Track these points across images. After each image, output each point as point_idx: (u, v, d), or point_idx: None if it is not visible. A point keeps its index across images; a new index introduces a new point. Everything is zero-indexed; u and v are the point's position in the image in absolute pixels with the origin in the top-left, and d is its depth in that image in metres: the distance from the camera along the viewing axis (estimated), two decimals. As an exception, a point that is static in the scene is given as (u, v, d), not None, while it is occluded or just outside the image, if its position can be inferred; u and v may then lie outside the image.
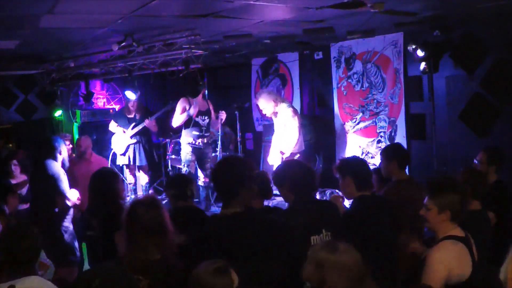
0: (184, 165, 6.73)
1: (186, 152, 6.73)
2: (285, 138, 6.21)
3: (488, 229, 3.49)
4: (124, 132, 7.21)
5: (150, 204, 2.54)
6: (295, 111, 6.36)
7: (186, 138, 6.72)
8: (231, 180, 2.48)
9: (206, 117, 6.75)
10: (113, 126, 7.31)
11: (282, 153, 6.19)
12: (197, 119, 6.69)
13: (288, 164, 3.41)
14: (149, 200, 2.60)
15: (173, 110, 6.91)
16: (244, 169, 2.51)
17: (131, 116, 7.26)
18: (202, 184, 6.84)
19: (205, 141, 6.72)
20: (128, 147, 7.24)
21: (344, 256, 1.95)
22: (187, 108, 6.62)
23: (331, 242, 2.01)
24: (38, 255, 2.62)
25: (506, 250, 2.16)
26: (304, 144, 6.45)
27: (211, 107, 6.92)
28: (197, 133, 6.65)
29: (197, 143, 6.64)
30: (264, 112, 6.46)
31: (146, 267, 2.37)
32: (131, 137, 7.19)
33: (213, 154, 6.93)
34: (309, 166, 3.17)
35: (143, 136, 7.35)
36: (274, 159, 6.31)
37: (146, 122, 7.10)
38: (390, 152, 3.93)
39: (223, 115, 6.73)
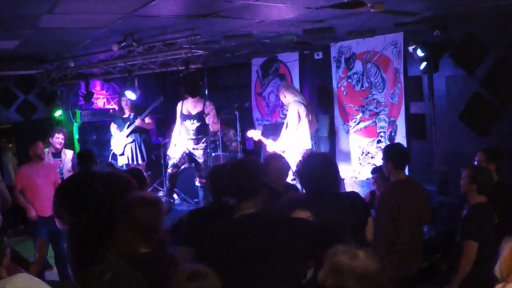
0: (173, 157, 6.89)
1: (178, 151, 6.86)
2: (285, 133, 6.27)
3: (493, 223, 3.51)
4: (120, 131, 7.30)
5: (149, 202, 2.58)
6: (298, 108, 6.25)
7: (182, 141, 6.83)
8: (253, 179, 2.42)
9: (194, 121, 6.77)
10: (113, 128, 7.45)
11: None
12: (185, 122, 6.75)
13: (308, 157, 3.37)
14: (148, 198, 2.63)
15: (175, 112, 7.01)
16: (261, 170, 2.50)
17: (126, 116, 7.38)
18: (199, 185, 6.87)
19: (195, 143, 6.77)
20: (125, 146, 7.35)
21: (365, 264, 1.88)
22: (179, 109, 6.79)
23: (352, 247, 1.95)
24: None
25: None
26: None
27: (210, 108, 6.89)
28: (186, 136, 6.77)
29: (185, 149, 6.79)
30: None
31: (134, 259, 2.37)
32: (127, 136, 7.28)
33: (214, 154, 6.94)
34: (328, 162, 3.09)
35: (140, 135, 7.39)
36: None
37: (137, 122, 7.17)
38: (386, 153, 3.91)
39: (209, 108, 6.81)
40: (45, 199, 5.60)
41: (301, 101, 6.31)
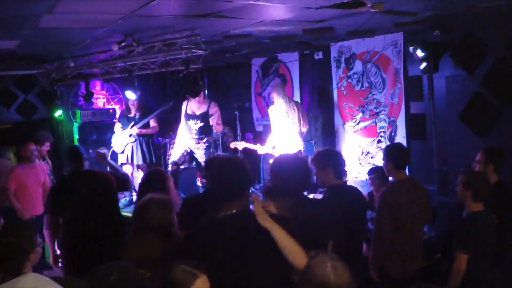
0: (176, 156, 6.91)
1: (178, 150, 6.88)
2: (271, 136, 6.32)
3: (492, 231, 3.48)
4: (122, 129, 7.31)
5: (162, 204, 2.64)
6: (277, 112, 6.28)
7: (183, 140, 6.83)
8: (238, 180, 2.42)
9: (198, 121, 6.78)
10: (117, 126, 7.44)
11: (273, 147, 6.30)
12: (189, 122, 6.75)
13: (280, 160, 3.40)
14: (162, 200, 2.68)
15: (177, 112, 7.03)
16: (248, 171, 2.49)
17: (132, 115, 7.36)
18: (200, 184, 6.88)
19: (197, 142, 6.78)
20: (126, 145, 7.33)
21: (336, 276, 1.86)
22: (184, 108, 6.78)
23: (327, 258, 1.94)
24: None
25: (508, 251, 2.19)
26: (305, 145, 6.47)
27: (215, 109, 6.89)
28: (189, 135, 6.75)
29: (187, 148, 6.78)
30: None
31: (148, 262, 2.43)
32: (130, 136, 7.26)
33: (214, 154, 6.95)
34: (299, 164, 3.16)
35: (143, 136, 7.39)
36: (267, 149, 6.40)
37: (134, 131, 7.16)
38: (386, 153, 3.90)
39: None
40: (35, 199, 5.75)
41: (283, 104, 6.25)
